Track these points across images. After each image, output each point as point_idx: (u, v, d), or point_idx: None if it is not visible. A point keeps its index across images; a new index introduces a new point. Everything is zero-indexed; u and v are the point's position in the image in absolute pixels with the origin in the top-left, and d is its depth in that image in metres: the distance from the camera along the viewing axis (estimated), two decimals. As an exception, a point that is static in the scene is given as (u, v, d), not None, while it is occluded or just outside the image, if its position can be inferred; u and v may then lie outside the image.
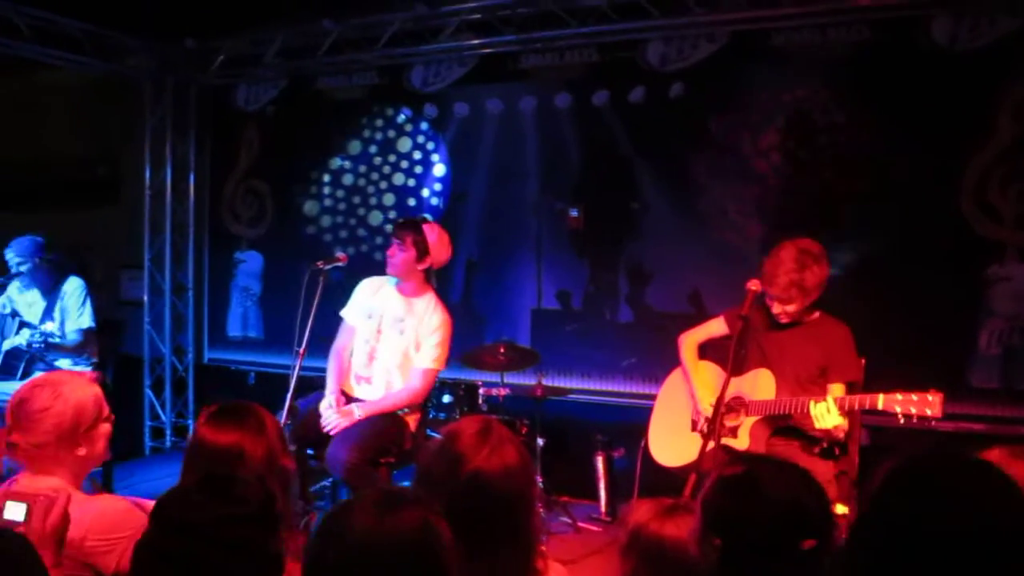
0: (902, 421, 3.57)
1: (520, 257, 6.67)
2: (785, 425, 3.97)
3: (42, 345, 5.25)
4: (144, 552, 1.70)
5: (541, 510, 5.39)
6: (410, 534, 1.54)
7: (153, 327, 7.90)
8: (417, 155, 7.08)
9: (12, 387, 4.37)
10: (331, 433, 4.44)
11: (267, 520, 1.73)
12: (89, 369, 5.52)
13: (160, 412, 7.88)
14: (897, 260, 5.38)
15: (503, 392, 5.72)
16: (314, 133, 7.48)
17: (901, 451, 1.41)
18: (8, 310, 5.59)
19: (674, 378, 4.48)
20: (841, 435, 3.82)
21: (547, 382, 5.78)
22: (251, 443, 2.23)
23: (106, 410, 2.58)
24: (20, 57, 6.70)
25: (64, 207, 8.43)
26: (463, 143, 6.87)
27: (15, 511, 2.26)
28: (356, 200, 7.29)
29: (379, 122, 7.23)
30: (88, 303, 5.58)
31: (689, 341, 4.37)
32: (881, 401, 3.61)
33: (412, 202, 7.06)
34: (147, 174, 7.79)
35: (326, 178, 7.43)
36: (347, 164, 7.33)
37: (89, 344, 5.59)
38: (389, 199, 7.12)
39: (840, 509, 3.67)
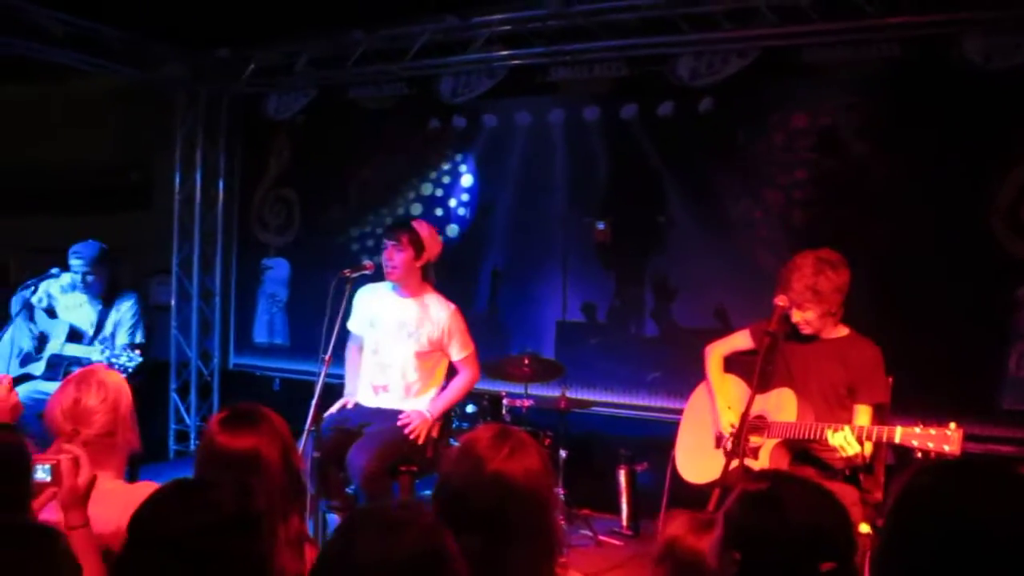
0: (919, 456, 3.51)
1: (546, 269, 6.67)
2: (803, 450, 3.92)
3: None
4: (123, 569, 1.66)
5: (563, 522, 5.42)
6: (419, 559, 1.52)
7: (180, 332, 7.97)
8: (445, 166, 7.11)
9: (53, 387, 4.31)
10: (408, 434, 4.49)
11: (245, 523, 1.68)
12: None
13: (185, 416, 7.94)
14: (926, 279, 5.33)
15: (527, 404, 5.71)
16: (343, 143, 7.52)
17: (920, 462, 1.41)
18: (44, 304, 5.51)
19: (700, 393, 4.45)
20: (859, 462, 3.76)
21: (571, 395, 5.77)
22: (267, 446, 2.25)
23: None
24: (56, 63, 6.80)
25: (97, 212, 8.53)
26: (491, 155, 6.89)
27: (42, 473, 2.33)
28: (384, 211, 7.33)
29: (408, 132, 7.26)
30: (142, 324, 5.52)
31: (716, 353, 4.34)
32: (899, 435, 3.51)
33: (439, 212, 7.08)
34: (177, 180, 7.86)
35: (354, 187, 7.47)
36: (374, 174, 7.35)
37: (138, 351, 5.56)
38: (416, 209, 7.15)
39: (863, 528, 3.62)
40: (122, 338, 5.41)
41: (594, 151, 6.47)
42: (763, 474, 2.16)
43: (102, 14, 6.51)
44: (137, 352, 5.10)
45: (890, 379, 3.97)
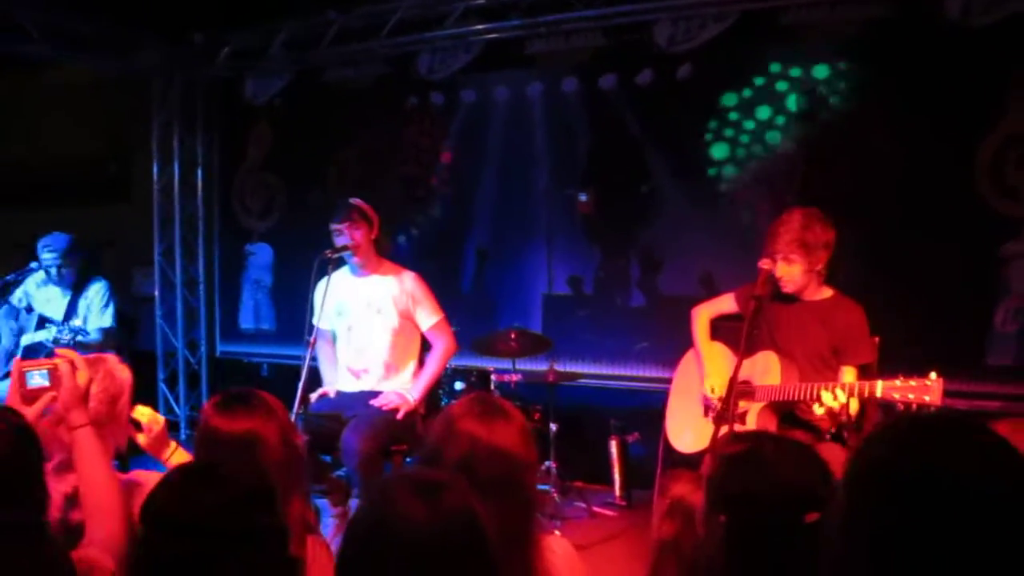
0: (902, 408, 3.50)
1: (530, 243, 6.65)
2: (790, 412, 3.91)
3: (71, 342, 5.21)
4: (142, 562, 1.58)
5: (556, 495, 5.42)
6: (462, 517, 1.49)
7: (165, 321, 7.93)
8: (425, 143, 7.05)
9: None
10: (384, 409, 4.48)
11: (264, 497, 1.63)
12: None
13: (174, 406, 7.91)
14: (912, 238, 5.31)
15: (515, 378, 5.70)
16: (322, 125, 7.46)
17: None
18: (24, 304, 5.58)
19: (687, 361, 4.43)
20: (844, 419, 3.71)
21: (559, 368, 5.75)
22: (264, 427, 2.23)
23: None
24: (28, 56, 6.71)
25: (77, 204, 8.46)
26: (471, 130, 6.85)
27: (39, 379, 2.37)
28: (366, 192, 7.24)
29: (386, 111, 7.20)
30: (112, 305, 5.57)
31: (702, 316, 4.32)
32: (880, 388, 3.48)
33: (420, 192, 7.04)
34: (155, 169, 7.80)
35: (334, 169, 7.42)
36: (354, 154, 7.31)
37: (110, 343, 5.58)
38: (398, 188, 7.10)
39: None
40: (93, 323, 5.45)
41: (574, 123, 6.44)
42: (739, 436, 2.16)
43: (73, 2, 6.43)
44: (78, 324, 5.20)
45: (876, 339, 3.96)
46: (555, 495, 5.44)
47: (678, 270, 6.16)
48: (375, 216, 4.75)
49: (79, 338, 5.19)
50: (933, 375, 3.39)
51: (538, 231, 6.57)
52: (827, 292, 3.98)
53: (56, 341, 5.17)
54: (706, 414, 4.14)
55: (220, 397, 2.34)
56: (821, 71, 5.64)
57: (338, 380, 4.83)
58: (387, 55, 6.98)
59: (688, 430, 4.22)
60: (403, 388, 4.64)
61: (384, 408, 4.51)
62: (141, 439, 2.62)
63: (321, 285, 4.70)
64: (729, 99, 5.92)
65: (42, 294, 5.59)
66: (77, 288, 5.54)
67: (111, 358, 2.76)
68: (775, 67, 5.78)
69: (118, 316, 5.67)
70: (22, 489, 1.89)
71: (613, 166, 6.34)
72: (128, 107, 8.28)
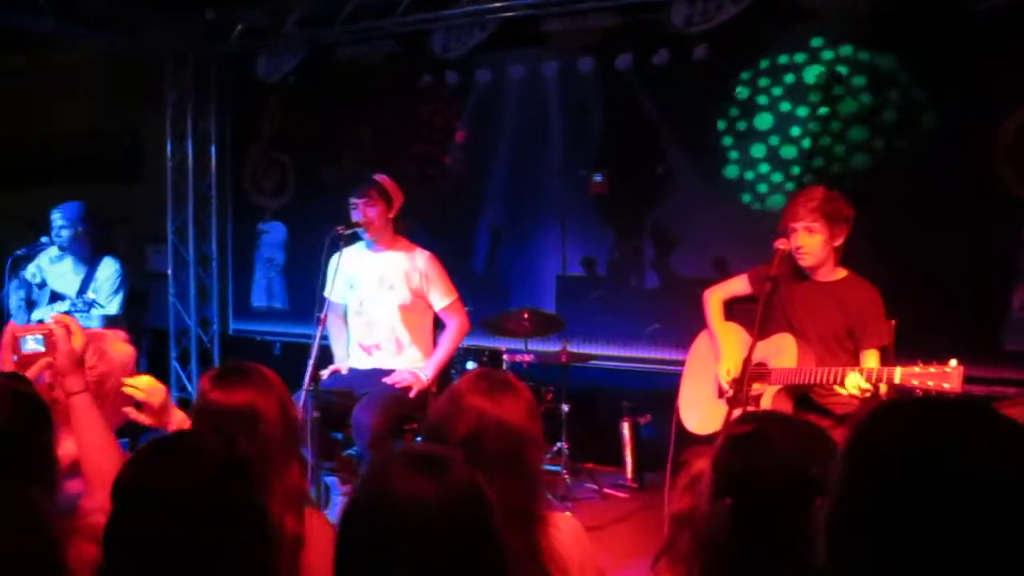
0: (920, 394, 3.46)
1: (544, 224, 6.61)
2: (805, 396, 3.88)
3: (87, 310, 5.11)
4: (113, 540, 1.52)
5: (567, 476, 5.41)
6: (466, 491, 1.47)
7: (178, 299, 7.93)
8: (439, 122, 7.02)
9: None
10: (397, 387, 4.47)
11: (237, 470, 1.56)
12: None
13: (186, 383, 7.92)
14: (929, 220, 5.27)
15: (527, 359, 5.69)
16: (335, 103, 7.43)
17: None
18: (38, 279, 5.55)
19: (701, 342, 4.40)
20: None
21: (572, 349, 5.74)
22: (263, 400, 2.21)
23: (136, 373, 2.66)
24: (41, 34, 6.69)
25: (90, 182, 8.44)
26: (485, 109, 6.80)
27: (34, 344, 2.35)
28: (378, 170, 7.23)
29: (400, 89, 7.17)
30: (122, 291, 5.48)
31: (715, 298, 4.28)
32: (898, 375, 3.44)
33: (434, 170, 7.01)
34: (168, 147, 7.79)
35: (348, 147, 7.40)
36: (368, 133, 7.28)
37: (115, 327, 5.55)
38: (411, 167, 7.07)
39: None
40: (98, 309, 5.41)
41: (589, 103, 6.39)
42: (749, 416, 2.12)
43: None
44: (91, 296, 5.15)
45: (892, 322, 3.93)
46: (566, 476, 5.44)
47: (692, 251, 6.12)
48: (398, 195, 4.72)
49: (94, 310, 5.15)
50: (953, 362, 3.35)
51: (552, 211, 6.54)
52: (842, 272, 3.94)
53: (70, 314, 5.11)
54: (720, 396, 4.11)
55: (218, 370, 2.33)
56: (839, 51, 5.57)
57: (350, 357, 4.82)
58: (401, 33, 6.94)
59: (702, 411, 4.20)
60: (415, 366, 4.63)
61: (396, 386, 4.50)
62: (142, 417, 2.52)
63: (333, 260, 4.69)
64: (746, 79, 5.86)
65: (55, 269, 5.56)
66: (92, 264, 5.51)
67: (109, 335, 2.73)
68: (792, 47, 5.72)
69: (128, 298, 5.59)
70: (21, 458, 1.86)
71: (628, 147, 6.29)
72: (141, 85, 8.25)
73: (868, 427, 1.29)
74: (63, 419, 2.28)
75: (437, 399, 2.27)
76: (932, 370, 3.38)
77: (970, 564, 1.14)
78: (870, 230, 4.47)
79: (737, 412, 3.64)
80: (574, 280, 6.55)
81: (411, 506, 1.43)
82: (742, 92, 5.89)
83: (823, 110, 5.62)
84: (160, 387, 2.57)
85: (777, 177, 5.79)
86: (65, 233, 5.38)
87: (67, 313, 5.02)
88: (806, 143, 5.68)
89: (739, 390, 3.71)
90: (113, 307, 5.45)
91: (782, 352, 3.87)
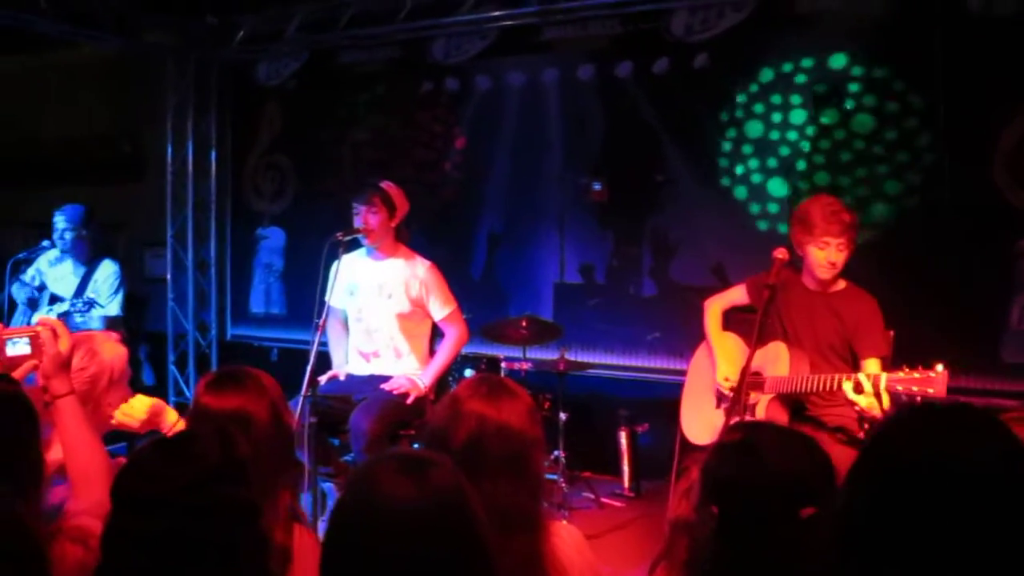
0: (905, 399, 3.43)
1: (543, 231, 6.61)
2: (800, 404, 3.86)
3: (87, 310, 5.15)
4: (112, 539, 1.54)
5: (564, 484, 5.40)
6: (449, 495, 1.47)
7: (176, 304, 7.92)
8: (438, 128, 7.03)
9: None
10: (394, 393, 4.47)
11: (232, 470, 1.58)
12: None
13: (184, 388, 7.91)
14: (926, 231, 5.27)
15: (525, 366, 5.67)
16: (335, 108, 7.44)
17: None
18: (37, 282, 5.57)
19: (701, 353, 4.40)
20: (874, 414, 3.58)
21: (570, 356, 5.72)
22: (255, 405, 2.20)
23: (128, 372, 2.69)
24: (42, 35, 6.69)
25: (89, 184, 8.45)
26: (485, 116, 6.81)
27: (18, 347, 2.33)
28: (378, 176, 7.23)
29: (400, 96, 7.17)
30: (121, 292, 5.52)
31: (714, 309, 4.28)
32: (884, 380, 3.41)
33: (433, 176, 7.01)
34: (169, 151, 7.79)
35: (347, 152, 7.41)
36: (367, 138, 7.30)
37: (114, 330, 5.55)
38: (410, 173, 7.07)
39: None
40: (98, 309, 5.41)
41: (589, 110, 6.40)
42: (740, 425, 2.13)
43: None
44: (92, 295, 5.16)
45: (891, 333, 3.92)
46: (563, 485, 5.43)
47: (691, 259, 6.11)
48: (402, 203, 4.71)
49: (94, 310, 5.15)
50: (939, 367, 3.33)
51: (550, 218, 6.54)
52: (841, 283, 3.94)
53: (69, 315, 5.13)
54: (718, 406, 4.11)
55: (214, 375, 2.33)
56: (838, 60, 5.58)
57: (349, 363, 4.82)
58: (402, 40, 6.95)
59: (702, 422, 4.20)
60: (413, 373, 4.63)
61: (394, 392, 4.50)
62: (128, 422, 2.56)
63: (334, 266, 4.69)
64: (745, 88, 5.87)
65: (54, 272, 5.58)
66: (90, 266, 5.52)
67: (99, 335, 2.72)
68: (792, 56, 5.72)
69: (127, 302, 5.63)
70: (7, 460, 1.86)
71: (627, 154, 6.30)
72: (141, 88, 8.27)
73: (884, 435, 1.30)
74: (51, 422, 2.28)
75: (436, 406, 2.26)
76: (917, 375, 3.36)
77: (984, 567, 1.15)
78: (869, 241, 4.47)
79: (733, 421, 3.64)
80: (572, 287, 6.54)
81: (392, 507, 1.43)
82: (741, 100, 5.89)
83: (824, 119, 5.62)
84: (146, 401, 2.60)
85: (776, 185, 5.79)
86: (68, 235, 5.40)
87: (67, 314, 5.05)
88: (805, 148, 5.68)
89: (736, 399, 3.70)
90: (113, 307, 5.47)
91: (776, 360, 3.86)
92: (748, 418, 3.78)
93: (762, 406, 3.84)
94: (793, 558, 1.60)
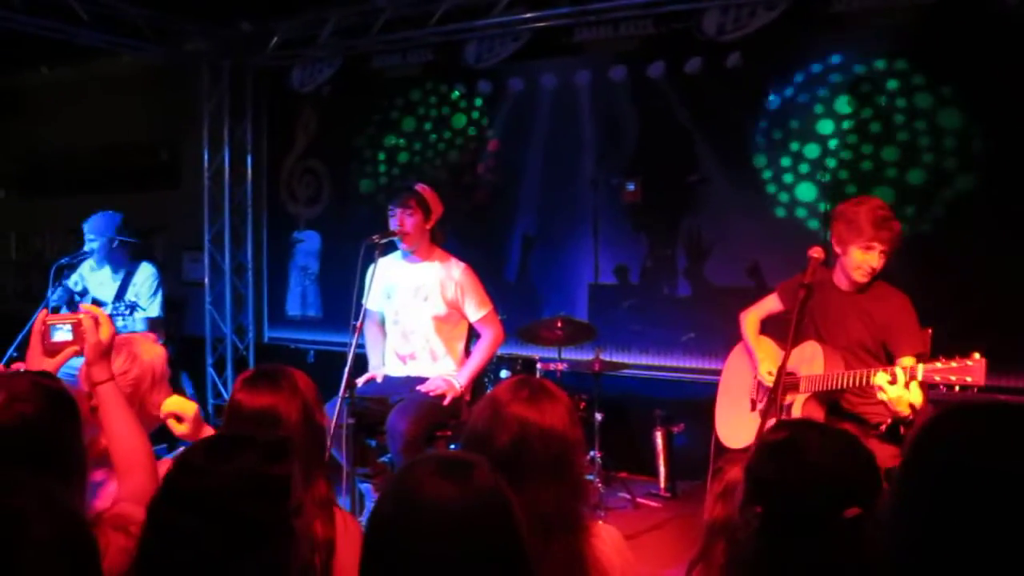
0: (944, 390, 3.38)
1: (577, 232, 6.63)
2: (835, 402, 3.84)
3: (130, 313, 5.22)
4: (156, 532, 1.54)
5: (600, 485, 5.41)
6: (490, 496, 1.47)
7: (214, 307, 8.02)
8: (472, 131, 7.07)
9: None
10: (431, 395, 4.50)
11: (267, 485, 1.56)
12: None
13: (222, 390, 8.00)
14: (965, 229, 5.22)
15: (561, 367, 5.69)
16: (369, 112, 7.50)
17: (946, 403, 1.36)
18: (79, 287, 5.66)
19: (735, 356, 4.38)
20: (906, 411, 3.49)
21: (605, 357, 5.73)
22: (286, 404, 2.22)
23: (168, 371, 2.72)
24: (82, 45, 6.81)
25: (128, 191, 8.58)
26: (518, 118, 6.84)
27: (61, 333, 2.40)
28: (412, 179, 7.30)
29: (433, 99, 7.23)
30: (159, 293, 5.58)
31: (751, 318, 4.26)
32: (920, 371, 3.36)
33: (467, 178, 7.05)
34: (205, 157, 7.89)
35: (381, 156, 7.47)
36: (401, 142, 7.35)
37: (157, 332, 5.62)
38: (444, 176, 7.12)
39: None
40: (139, 312, 5.49)
41: (622, 111, 6.41)
42: (784, 424, 2.10)
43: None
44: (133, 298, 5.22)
45: (928, 331, 3.88)
46: (599, 485, 5.44)
47: (725, 260, 6.10)
48: (437, 206, 4.72)
49: (136, 313, 5.22)
50: (976, 355, 3.28)
51: (584, 220, 6.55)
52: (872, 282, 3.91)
53: (112, 318, 5.17)
54: (754, 408, 4.10)
55: (251, 372, 2.36)
56: (873, 58, 5.55)
57: (385, 365, 4.85)
58: (435, 44, 6.99)
59: (736, 425, 4.17)
60: (449, 374, 4.65)
61: (431, 393, 4.53)
62: (179, 428, 2.57)
63: (371, 269, 4.72)
64: (778, 87, 5.85)
65: (95, 277, 5.66)
66: (126, 272, 5.61)
67: (138, 338, 2.76)
68: (826, 54, 5.70)
69: (166, 304, 5.71)
70: (51, 454, 1.89)
71: (661, 155, 6.29)
72: (178, 95, 8.37)
73: (929, 437, 1.30)
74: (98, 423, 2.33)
75: (474, 408, 2.27)
76: (954, 364, 3.31)
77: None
78: (905, 239, 4.43)
79: (771, 422, 3.62)
80: (607, 288, 6.55)
81: (435, 510, 1.44)
82: (774, 99, 5.87)
83: (860, 116, 5.58)
84: (190, 404, 2.61)
85: (809, 185, 5.77)
86: (94, 245, 5.48)
87: (110, 318, 5.10)
88: (834, 145, 5.65)
89: (772, 400, 3.69)
90: (154, 309, 5.54)
91: (811, 359, 3.84)
92: (785, 419, 3.77)
93: (798, 405, 3.82)
94: (837, 559, 1.59)
